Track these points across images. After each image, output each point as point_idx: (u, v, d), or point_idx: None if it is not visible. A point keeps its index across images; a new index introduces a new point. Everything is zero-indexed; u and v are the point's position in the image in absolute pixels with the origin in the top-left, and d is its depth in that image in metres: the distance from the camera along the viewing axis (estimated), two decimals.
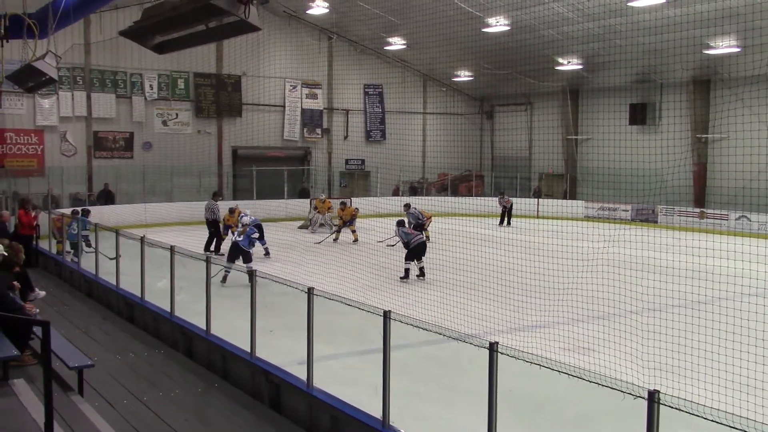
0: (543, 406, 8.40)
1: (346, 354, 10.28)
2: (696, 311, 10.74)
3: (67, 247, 17.37)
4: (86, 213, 19.12)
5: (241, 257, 15.45)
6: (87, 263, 15.05)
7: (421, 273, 16.55)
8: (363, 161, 36.25)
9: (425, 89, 38.58)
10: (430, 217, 22.66)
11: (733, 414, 4.17)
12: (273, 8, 30.78)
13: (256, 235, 16.68)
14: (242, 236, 15.78)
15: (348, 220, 24.06)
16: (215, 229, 20.80)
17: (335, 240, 23.39)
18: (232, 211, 21.14)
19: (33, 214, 18.29)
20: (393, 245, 20.49)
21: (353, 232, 23.55)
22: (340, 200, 27.30)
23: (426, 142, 38.37)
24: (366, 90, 36.33)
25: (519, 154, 37.11)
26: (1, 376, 7.37)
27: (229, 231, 20.08)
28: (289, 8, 31.51)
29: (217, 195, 23.01)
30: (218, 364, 9.27)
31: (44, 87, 16.74)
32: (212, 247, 20.22)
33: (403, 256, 16.85)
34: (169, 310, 10.86)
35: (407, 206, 22.62)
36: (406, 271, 16.50)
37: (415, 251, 16.64)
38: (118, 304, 12.83)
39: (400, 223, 18.46)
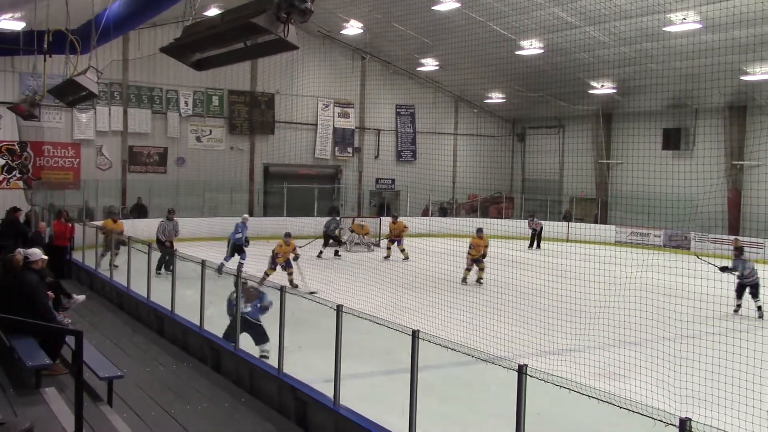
0: (572, 430, 8.29)
1: (374, 373, 10.26)
2: (731, 339, 10.55)
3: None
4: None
5: (250, 335, 10.20)
6: (118, 276, 15.20)
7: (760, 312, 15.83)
8: (393, 181, 36.33)
9: (457, 110, 38.63)
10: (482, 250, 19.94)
11: None
12: (307, 28, 31.06)
13: (270, 301, 10.20)
14: (249, 305, 10.23)
15: (397, 238, 24.20)
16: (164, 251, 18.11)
17: (386, 257, 23.98)
18: (288, 236, 18.10)
19: (70, 225, 18.57)
20: None
21: (402, 250, 23.69)
22: (391, 216, 27.40)
23: (456, 164, 38.36)
24: (398, 110, 36.48)
25: (550, 177, 36.92)
26: (33, 384, 7.46)
27: (277, 264, 17.74)
28: (323, 28, 31.82)
29: (172, 212, 20.56)
30: (246, 379, 9.29)
31: (84, 101, 17.04)
32: (162, 269, 17.30)
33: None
34: (198, 323, 10.93)
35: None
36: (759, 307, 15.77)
37: (755, 289, 15.96)
38: (148, 316, 12.94)
39: (741, 251, 16.84)
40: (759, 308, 15.73)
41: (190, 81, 29.07)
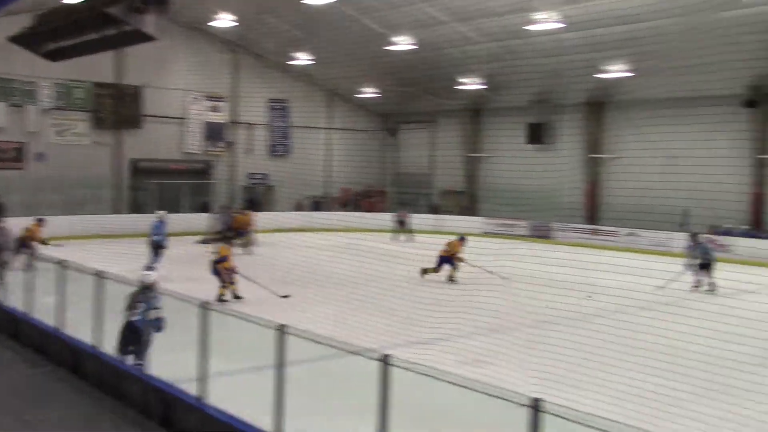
0: (435, 416, 8.51)
1: (243, 370, 10.12)
2: (589, 324, 11.12)
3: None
4: None
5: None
6: None
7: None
8: (266, 175, 35.94)
9: (330, 105, 38.68)
10: None
11: (620, 423, 4.35)
12: (176, 19, 30.18)
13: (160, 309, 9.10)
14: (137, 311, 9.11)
15: (239, 229, 24.04)
16: None
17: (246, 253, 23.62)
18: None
19: None
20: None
21: (241, 245, 23.51)
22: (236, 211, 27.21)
23: (331, 158, 38.42)
24: (271, 104, 36.12)
25: (422, 170, 37.68)
26: None
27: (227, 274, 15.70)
28: (191, 20, 31.00)
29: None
30: (109, 382, 8.97)
31: None
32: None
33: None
34: (56, 326, 10.44)
35: None
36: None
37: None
38: (0, 320, 12.24)
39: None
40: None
41: (52, 72, 27.47)
